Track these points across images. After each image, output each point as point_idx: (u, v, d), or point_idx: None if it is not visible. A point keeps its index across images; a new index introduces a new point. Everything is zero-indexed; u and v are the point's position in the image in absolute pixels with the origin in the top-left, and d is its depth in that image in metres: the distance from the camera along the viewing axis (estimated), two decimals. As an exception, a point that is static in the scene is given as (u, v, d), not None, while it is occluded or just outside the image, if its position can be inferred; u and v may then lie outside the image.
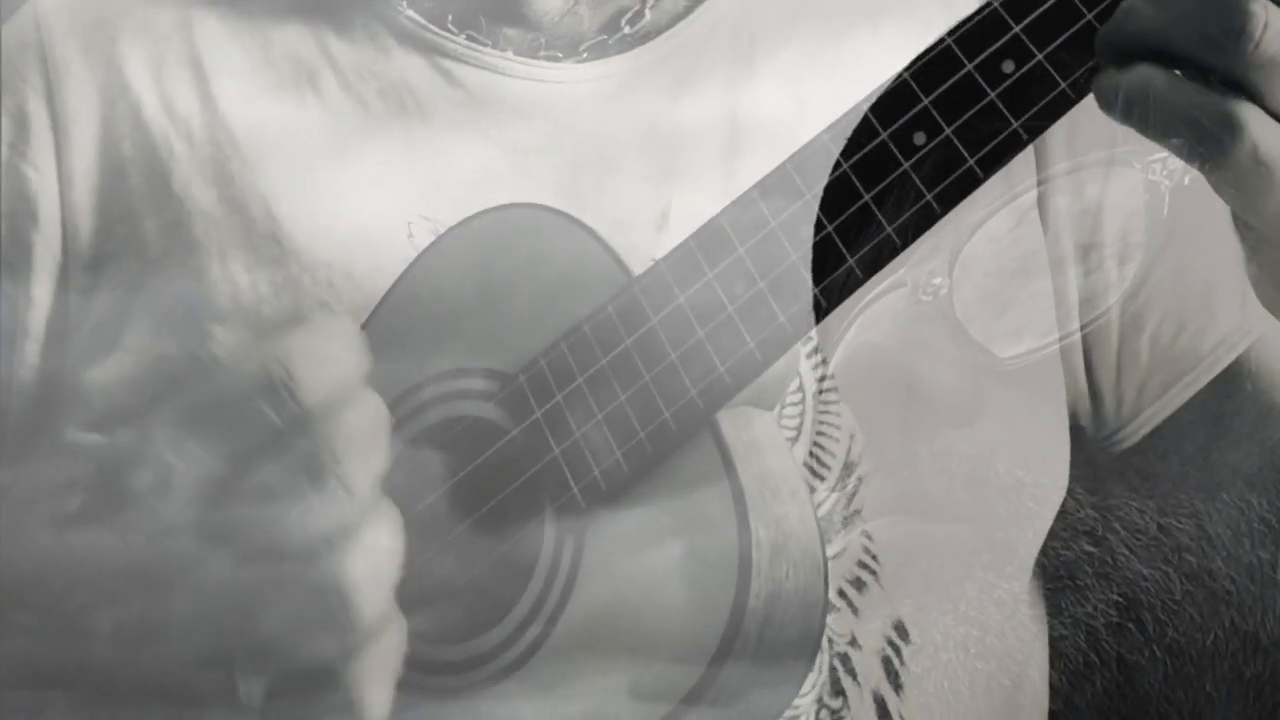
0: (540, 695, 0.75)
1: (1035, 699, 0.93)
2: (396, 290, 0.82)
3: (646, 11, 0.90)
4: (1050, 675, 0.96)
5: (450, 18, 0.90)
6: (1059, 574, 0.97)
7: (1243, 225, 0.69)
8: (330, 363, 0.66)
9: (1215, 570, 0.98)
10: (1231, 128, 0.62)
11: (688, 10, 0.90)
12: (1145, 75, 0.63)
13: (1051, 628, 0.96)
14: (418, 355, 0.80)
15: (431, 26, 0.90)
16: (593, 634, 0.74)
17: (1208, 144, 0.62)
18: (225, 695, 0.68)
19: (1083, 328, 0.89)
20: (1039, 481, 0.89)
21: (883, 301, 0.84)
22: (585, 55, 0.89)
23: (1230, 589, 0.98)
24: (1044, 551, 0.91)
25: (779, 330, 0.72)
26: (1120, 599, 0.99)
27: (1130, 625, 1.00)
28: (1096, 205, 0.89)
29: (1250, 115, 0.62)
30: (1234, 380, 0.91)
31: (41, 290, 0.90)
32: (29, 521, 0.79)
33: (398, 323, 0.81)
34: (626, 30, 0.89)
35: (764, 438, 0.75)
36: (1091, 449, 0.94)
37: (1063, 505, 0.91)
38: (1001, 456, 0.87)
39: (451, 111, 0.89)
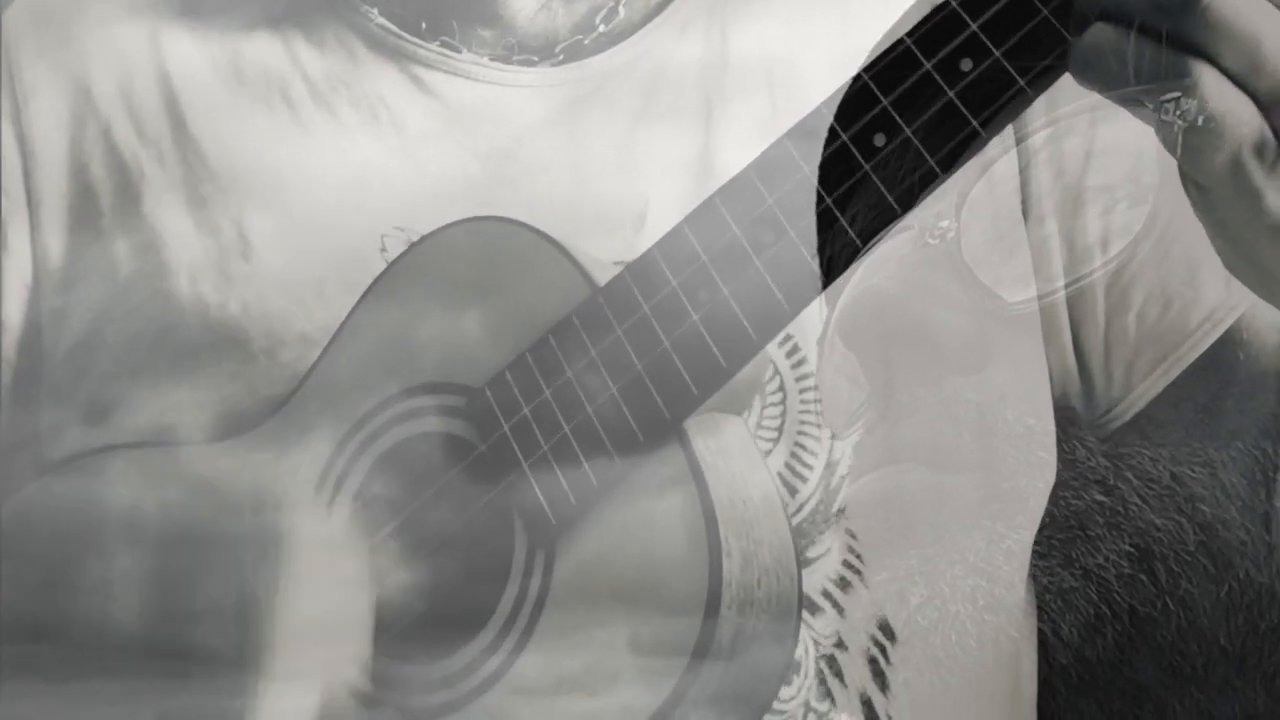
0: (541, 651, 0.75)
1: (1033, 658, 0.93)
2: (364, 304, 0.82)
3: (620, 9, 0.89)
4: (1061, 628, 0.95)
5: (423, 24, 0.89)
6: (1069, 524, 0.96)
7: (1192, 185, 0.70)
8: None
9: (1229, 520, 0.98)
10: (1185, 83, 0.63)
11: (660, 7, 0.89)
12: (1100, 32, 0.64)
13: (1062, 579, 0.96)
14: (383, 372, 0.80)
15: (403, 34, 0.89)
16: (585, 586, 0.75)
17: (1163, 98, 0.64)
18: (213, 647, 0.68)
19: (1097, 270, 0.89)
20: (1049, 429, 0.88)
21: (889, 245, 0.83)
22: (561, 58, 0.88)
23: (1245, 539, 0.98)
24: (1054, 501, 0.90)
25: (745, 339, 0.74)
26: (1132, 549, 0.99)
27: (1143, 576, 0.99)
28: (1106, 147, 0.88)
29: (1203, 70, 0.64)
30: (1228, 348, 0.91)
31: (18, 252, 0.89)
32: (14, 471, 0.79)
33: (364, 338, 0.81)
34: (602, 29, 0.88)
35: (731, 440, 0.77)
36: (1084, 429, 0.93)
37: (1073, 453, 0.90)
38: (1010, 404, 0.87)
39: (424, 120, 0.88)
